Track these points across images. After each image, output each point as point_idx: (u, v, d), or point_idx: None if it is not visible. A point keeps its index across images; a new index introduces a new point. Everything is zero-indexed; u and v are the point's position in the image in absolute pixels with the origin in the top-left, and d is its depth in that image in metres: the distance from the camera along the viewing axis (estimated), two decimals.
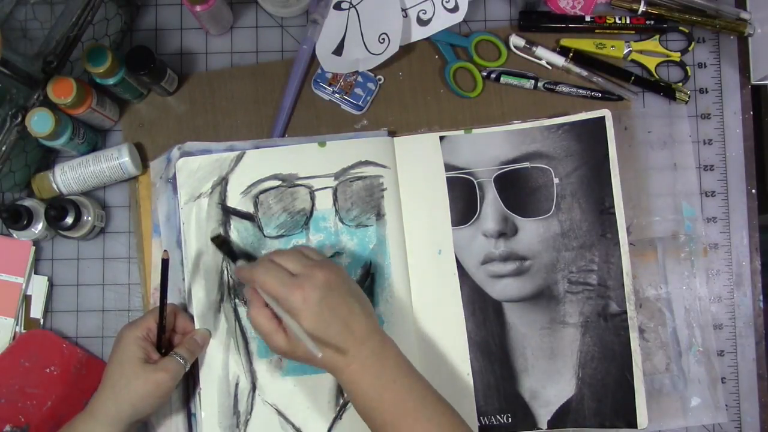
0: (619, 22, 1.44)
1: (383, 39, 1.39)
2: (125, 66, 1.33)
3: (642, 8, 1.44)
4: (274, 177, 1.36)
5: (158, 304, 1.25)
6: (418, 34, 1.43)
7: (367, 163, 1.37)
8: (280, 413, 1.33)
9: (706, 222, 1.43)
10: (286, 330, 1.14)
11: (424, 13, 1.43)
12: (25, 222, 1.35)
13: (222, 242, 1.34)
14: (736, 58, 1.46)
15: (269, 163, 1.37)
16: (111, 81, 1.33)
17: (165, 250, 1.25)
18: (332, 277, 1.15)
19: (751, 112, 1.45)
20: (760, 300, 1.43)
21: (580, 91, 1.43)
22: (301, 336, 1.10)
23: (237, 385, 1.33)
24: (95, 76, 1.32)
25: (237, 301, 1.34)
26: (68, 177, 1.37)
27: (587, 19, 1.44)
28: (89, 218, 1.37)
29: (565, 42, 1.45)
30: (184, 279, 1.35)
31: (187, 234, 1.34)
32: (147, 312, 1.27)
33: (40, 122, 1.27)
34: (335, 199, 1.36)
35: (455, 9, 1.42)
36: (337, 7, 1.43)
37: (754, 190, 1.44)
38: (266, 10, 1.46)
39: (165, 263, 1.24)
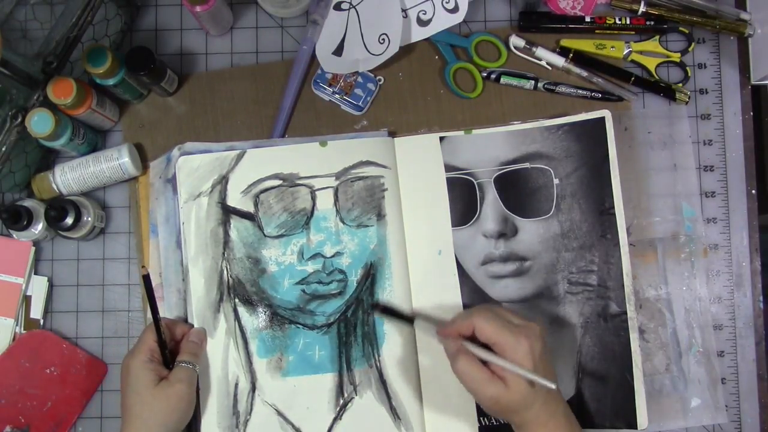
0: (619, 22, 1.44)
1: (383, 39, 1.39)
2: (125, 66, 1.33)
3: (642, 9, 1.44)
4: (275, 176, 1.36)
5: (152, 319, 1.26)
6: (418, 34, 1.43)
7: (368, 163, 1.37)
8: (279, 413, 1.33)
9: (706, 222, 1.43)
10: (501, 377, 1.14)
11: (424, 14, 1.42)
12: (25, 222, 1.35)
13: (384, 309, 1.35)
14: (736, 59, 1.46)
15: (270, 162, 1.36)
16: (111, 81, 1.33)
17: (143, 266, 1.25)
18: (543, 332, 1.17)
19: (751, 113, 1.45)
20: (760, 300, 1.43)
21: (580, 91, 1.43)
22: (531, 376, 1.11)
23: (236, 385, 1.32)
24: (95, 77, 1.32)
25: (237, 300, 1.34)
26: (68, 177, 1.37)
27: (587, 19, 1.44)
28: (89, 219, 1.37)
29: (565, 42, 1.45)
30: (183, 279, 1.35)
31: (186, 233, 1.34)
32: (142, 334, 1.27)
33: (40, 123, 1.27)
34: (336, 199, 1.36)
35: (455, 9, 1.42)
36: (337, 7, 1.43)
37: (754, 191, 1.44)
38: (266, 10, 1.46)
39: (146, 279, 1.24)
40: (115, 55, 1.30)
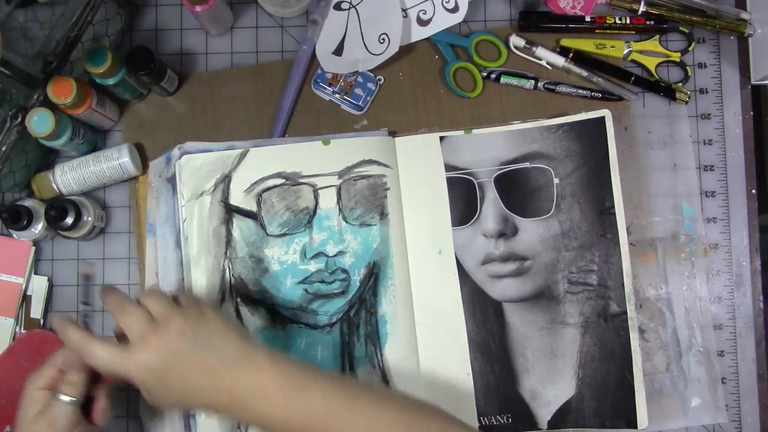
0: (619, 22, 1.44)
1: (383, 39, 1.39)
2: (125, 66, 1.33)
3: (642, 8, 1.44)
4: (278, 175, 1.36)
5: None
6: (418, 34, 1.43)
7: (371, 161, 1.37)
8: None
9: (706, 222, 1.43)
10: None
11: (424, 13, 1.42)
12: (25, 222, 1.35)
13: None
14: (736, 59, 1.46)
15: (272, 160, 1.36)
16: (111, 81, 1.33)
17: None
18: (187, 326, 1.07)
19: (752, 113, 1.45)
20: (760, 300, 1.43)
21: (581, 91, 1.43)
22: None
23: None
24: (95, 77, 1.32)
25: (239, 300, 1.34)
26: (68, 177, 1.37)
27: (587, 19, 1.44)
28: (89, 218, 1.37)
29: (565, 42, 1.45)
30: (183, 279, 1.35)
31: (188, 232, 1.34)
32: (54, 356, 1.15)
33: (40, 122, 1.27)
34: (339, 198, 1.36)
35: (455, 9, 1.42)
36: (337, 7, 1.43)
37: (754, 191, 1.44)
38: (266, 10, 1.46)
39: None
40: (115, 54, 1.30)
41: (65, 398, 1.11)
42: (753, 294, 1.43)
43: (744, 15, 1.43)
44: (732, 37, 1.46)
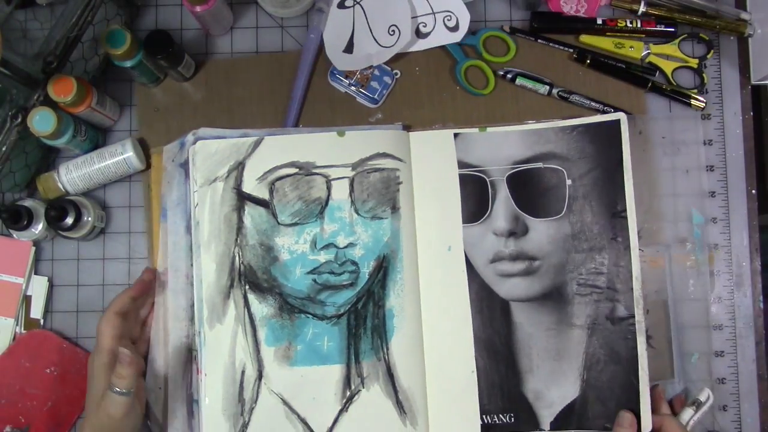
0: (630, 25, 1.44)
1: (393, 31, 1.40)
2: (143, 49, 1.33)
3: (642, 9, 1.45)
4: (291, 164, 1.36)
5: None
6: (416, 46, 1.45)
7: (385, 155, 1.38)
8: (285, 403, 1.33)
9: (705, 223, 1.44)
10: None
11: (424, 26, 1.44)
12: (25, 222, 1.35)
13: None
14: (736, 59, 1.48)
15: (287, 150, 1.37)
16: (128, 63, 1.34)
17: None
18: None
19: (751, 113, 1.47)
20: (760, 300, 1.44)
21: (593, 104, 1.43)
22: None
23: (243, 372, 1.33)
24: (113, 58, 1.33)
25: (247, 287, 1.34)
26: (74, 176, 1.37)
27: (599, 21, 1.45)
28: (89, 219, 1.37)
29: (584, 39, 1.46)
30: (192, 264, 1.35)
31: (200, 217, 1.34)
32: (99, 327, 1.27)
33: (42, 121, 1.27)
34: (351, 190, 1.36)
35: (455, 29, 1.44)
36: (341, 5, 1.43)
37: (754, 191, 1.45)
38: (266, 10, 1.46)
39: None
40: (133, 37, 1.31)
41: (117, 390, 1.19)
42: (753, 294, 1.44)
43: (744, 15, 1.45)
44: (732, 37, 1.47)
